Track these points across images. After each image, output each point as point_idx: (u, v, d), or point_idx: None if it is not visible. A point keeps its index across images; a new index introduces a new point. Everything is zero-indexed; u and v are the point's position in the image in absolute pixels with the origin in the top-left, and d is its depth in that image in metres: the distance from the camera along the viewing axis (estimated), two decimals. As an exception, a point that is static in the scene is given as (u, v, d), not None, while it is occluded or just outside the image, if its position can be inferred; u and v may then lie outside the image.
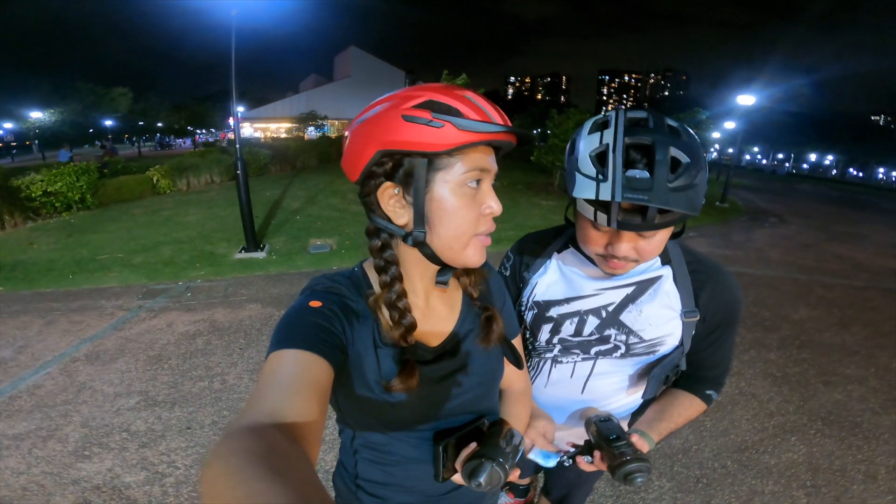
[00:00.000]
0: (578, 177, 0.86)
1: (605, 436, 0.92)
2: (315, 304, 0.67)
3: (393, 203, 0.67)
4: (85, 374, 3.17)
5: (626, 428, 1.12)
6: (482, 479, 0.68)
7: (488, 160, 0.68)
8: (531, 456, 1.15)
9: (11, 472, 2.30)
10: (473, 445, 0.74)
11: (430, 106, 0.62)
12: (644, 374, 1.10)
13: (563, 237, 1.17)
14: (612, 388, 1.14)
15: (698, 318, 1.01)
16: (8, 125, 32.27)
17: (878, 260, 7.84)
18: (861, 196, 28.14)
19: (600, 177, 0.81)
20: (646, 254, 0.91)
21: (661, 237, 0.91)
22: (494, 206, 0.69)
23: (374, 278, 0.75)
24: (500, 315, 0.87)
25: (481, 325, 0.82)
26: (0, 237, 6.96)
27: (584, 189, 0.84)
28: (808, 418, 2.97)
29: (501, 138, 0.64)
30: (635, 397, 1.16)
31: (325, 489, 0.39)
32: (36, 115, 30.06)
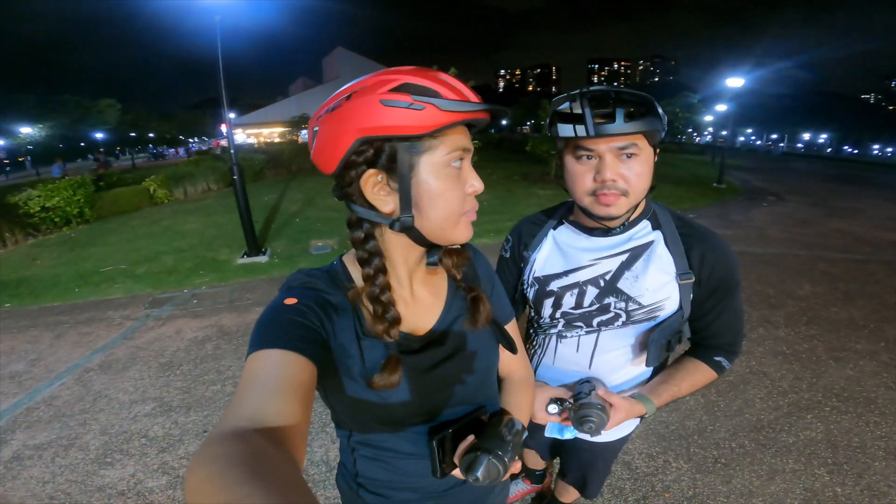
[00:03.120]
0: (555, 118, 1.00)
1: (574, 393, 1.08)
2: (290, 301, 0.65)
3: (377, 191, 0.65)
4: (99, 384, 3.18)
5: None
6: (479, 473, 0.66)
7: (467, 139, 0.68)
8: (547, 433, 1.17)
9: (37, 481, 2.32)
10: (471, 438, 0.72)
11: (407, 89, 0.60)
12: (646, 344, 1.12)
13: (557, 215, 1.23)
14: (620, 361, 1.16)
15: (693, 279, 1.04)
16: (-1, 142, 32.01)
17: (878, 233, 7.87)
18: (857, 172, 28.18)
19: (571, 99, 0.97)
20: (631, 182, 0.97)
21: (640, 167, 0.97)
22: (477, 184, 0.69)
23: (354, 271, 0.74)
24: (490, 300, 0.85)
25: (468, 306, 0.80)
26: (2, 255, 6.95)
27: (562, 114, 0.98)
28: (823, 395, 2.97)
29: (480, 116, 0.64)
30: (643, 367, 1.17)
31: (310, 491, 0.38)
32: (25, 130, 29.80)
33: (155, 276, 5.54)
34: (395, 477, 0.78)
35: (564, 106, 0.98)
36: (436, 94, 0.60)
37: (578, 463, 1.49)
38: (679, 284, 1.04)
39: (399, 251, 0.72)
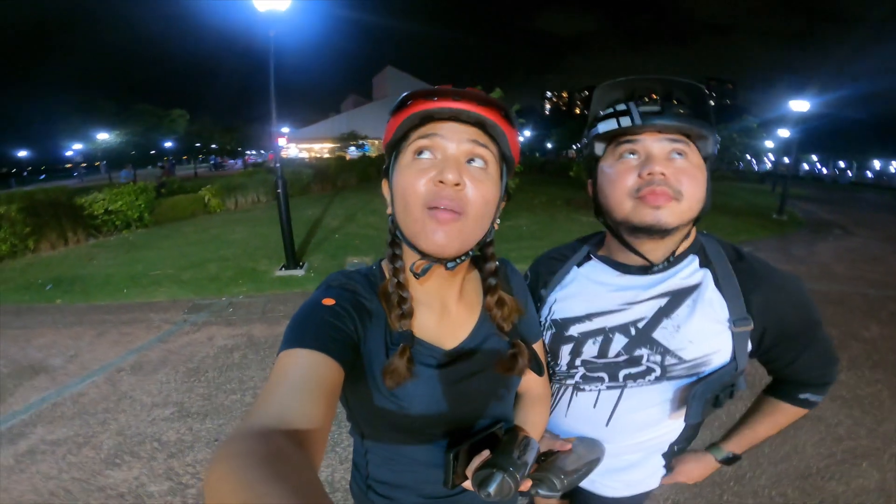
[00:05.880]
0: (594, 122, 0.90)
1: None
2: (328, 301, 0.67)
3: (389, 197, 0.73)
4: (127, 384, 3.27)
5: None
6: (492, 490, 0.66)
7: (433, 129, 0.68)
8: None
9: (42, 476, 2.36)
10: (486, 453, 0.71)
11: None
12: (685, 400, 0.91)
13: (583, 249, 1.06)
14: (645, 420, 0.96)
15: (752, 327, 0.85)
16: (77, 146, 34.48)
17: (959, 273, 7.13)
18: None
19: (617, 86, 0.90)
20: (681, 181, 0.82)
21: (692, 168, 0.83)
22: (450, 175, 0.65)
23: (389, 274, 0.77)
24: (524, 318, 0.86)
25: (506, 358, 0.79)
26: (62, 252, 7.43)
27: (604, 116, 0.88)
28: (883, 442, 2.69)
29: (420, 109, 0.67)
30: (675, 425, 0.97)
31: (326, 494, 0.38)
32: (102, 136, 31.99)
33: (198, 282, 5.75)
34: (405, 481, 0.78)
35: (607, 111, 0.88)
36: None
37: None
38: (733, 332, 0.85)
39: (411, 256, 0.73)
